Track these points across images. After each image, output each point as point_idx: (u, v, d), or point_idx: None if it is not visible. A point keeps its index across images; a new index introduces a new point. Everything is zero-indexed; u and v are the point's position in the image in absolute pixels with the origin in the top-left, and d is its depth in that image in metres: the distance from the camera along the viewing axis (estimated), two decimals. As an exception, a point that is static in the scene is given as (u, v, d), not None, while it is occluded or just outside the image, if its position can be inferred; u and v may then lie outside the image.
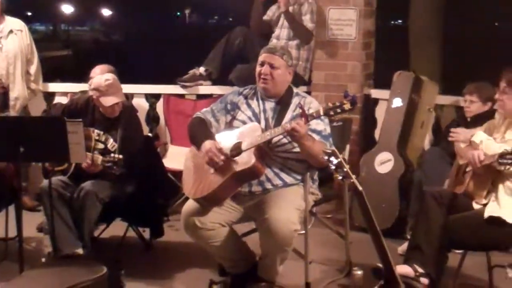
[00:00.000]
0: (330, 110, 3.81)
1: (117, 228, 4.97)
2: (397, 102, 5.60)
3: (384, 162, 5.50)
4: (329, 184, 4.78)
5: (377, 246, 3.49)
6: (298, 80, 5.72)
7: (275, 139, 4.00)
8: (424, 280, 3.92)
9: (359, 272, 4.32)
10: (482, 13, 13.83)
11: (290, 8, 5.98)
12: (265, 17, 6.27)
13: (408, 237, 4.59)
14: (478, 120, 4.77)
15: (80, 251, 4.48)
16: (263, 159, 3.96)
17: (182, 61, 7.24)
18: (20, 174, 4.15)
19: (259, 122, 4.11)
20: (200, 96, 6.32)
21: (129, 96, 5.37)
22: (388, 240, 3.54)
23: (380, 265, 3.62)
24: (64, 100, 5.96)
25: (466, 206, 4.04)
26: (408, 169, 5.38)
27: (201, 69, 6.22)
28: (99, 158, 4.38)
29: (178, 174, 5.07)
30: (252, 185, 4.05)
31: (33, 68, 5.97)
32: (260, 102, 4.19)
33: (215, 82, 6.31)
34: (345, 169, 3.44)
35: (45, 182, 4.51)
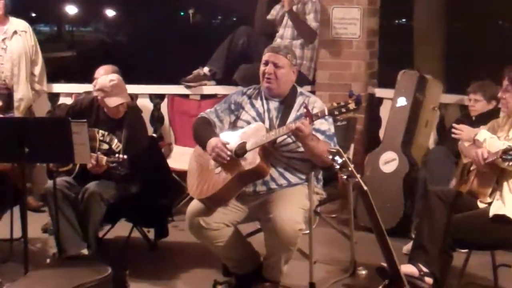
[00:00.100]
0: (334, 110, 3.80)
1: (122, 228, 4.97)
2: (402, 101, 5.59)
3: (388, 161, 5.49)
4: (334, 184, 4.78)
5: (382, 246, 3.49)
6: (302, 79, 5.71)
7: (279, 139, 3.99)
8: (429, 280, 3.91)
9: (364, 272, 4.35)
10: (486, 11, 13.79)
11: (294, 7, 5.97)
12: (269, 17, 6.27)
13: (413, 236, 4.58)
14: (483, 119, 4.76)
15: (85, 251, 4.48)
16: (268, 159, 3.96)
17: (186, 61, 7.24)
18: (24, 175, 4.15)
19: (263, 122, 4.11)
20: (204, 96, 6.33)
21: (133, 97, 5.38)
22: (392, 239, 3.53)
23: (384, 264, 3.61)
24: (68, 101, 5.97)
25: (470, 205, 4.03)
26: (413, 168, 5.38)
27: (205, 69, 6.22)
28: (104, 159, 4.39)
29: (182, 174, 5.06)
30: (256, 185, 4.05)
31: (38, 69, 5.98)
32: (264, 101, 4.19)
33: (219, 82, 6.31)
34: (349, 169, 3.44)
35: (49, 183, 4.51)
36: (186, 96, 6.35)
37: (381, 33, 6.44)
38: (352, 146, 5.69)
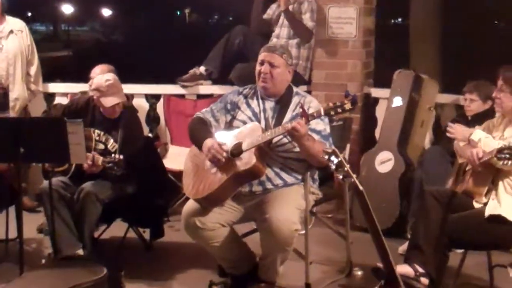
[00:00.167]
0: (330, 110, 3.80)
1: (118, 229, 4.96)
2: (397, 101, 5.59)
3: (384, 161, 5.49)
4: (330, 184, 4.77)
5: (378, 246, 3.48)
6: (298, 79, 5.71)
7: (275, 139, 3.99)
8: (425, 280, 3.91)
9: (360, 272, 4.34)
10: (482, 11, 13.83)
11: (290, 7, 5.97)
12: (265, 16, 6.26)
13: (409, 236, 4.58)
14: (479, 119, 4.77)
15: (80, 252, 4.48)
16: (264, 159, 3.96)
17: (182, 61, 7.23)
18: (20, 175, 4.14)
19: (259, 121, 4.11)
20: (200, 96, 6.32)
21: (129, 97, 5.37)
22: (388, 239, 3.52)
23: (380, 265, 3.61)
24: (64, 100, 5.96)
25: (466, 205, 4.03)
26: (409, 168, 5.38)
27: (201, 69, 6.22)
28: (100, 159, 4.38)
29: (178, 174, 5.06)
30: (252, 185, 4.05)
31: (33, 69, 5.97)
32: (260, 101, 4.19)
33: (215, 82, 6.31)
34: (345, 169, 3.43)
35: (45, 183, 4.51)
36: (182, 96, 6.34)
37: (377, 33, 6.44)
38: (348, 146, 5.69)
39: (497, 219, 3.85)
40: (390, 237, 4.41)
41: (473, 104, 5.16)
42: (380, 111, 6.01)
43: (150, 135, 6.10)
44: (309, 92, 5.78)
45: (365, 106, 6.22)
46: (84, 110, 4.76)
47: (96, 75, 5.03)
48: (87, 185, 4.46)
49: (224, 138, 4.08)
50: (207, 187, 3.99)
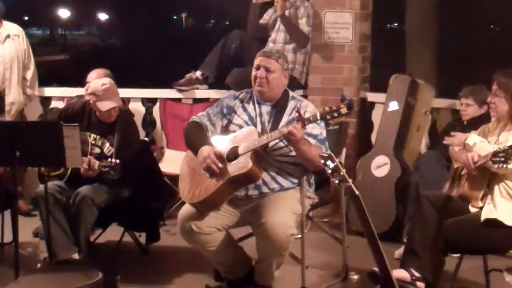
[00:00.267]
0: (326, 114, 3.81)
1: (113, 233, 4.95)
2: (394, 106, 5.60)
3: (380, 165, 5.49)
4: (326, 188, 4.77)
5: (374, 250, 3.48)
6: (294, 83, 5.72)
7: (271, 143, 3.99)
8: (421, 284, 3.91)
9: (356, 277, 4.33)
10: (478, 16, 13.85)
11: (287, 12, 5.98)
12: (261, 21, 6.27)
13: (405, 241, 4.59)
14: (475, 123, 4.77)
15: (76, 256, 4.47)
16: (260, 163, 3.96)
17: (179, 65, 7.24)
18: (16, 178, 4.13)
19: (255, 126, 4.11)
20: (197, 100, 6.32)
21: (125, 101, 5.36)
22: (384, 244, 3.52)
23: (376, 269, 3.61)
24: (60, 104, 5.95)
25: (462, 209, 4.03)
26: (405, 172, 5.38)
27: (198, 73, 6.22)
28: (96, 163, 4.37)
29: (174, 178, 5.05)
30: (248, 189, 4.04)
31: (30, 73, 5.96)
32: (256, 106, 4.19)
33: (211, 86, 6.31)
34: (341, 173, 3.43)
35: (41, 187, 4.50)
36: (178, 100, 6.34)
37: (373, 38, 6.45)
38: (344, 150, 5.69)
39: (493, 223, 3.85)
40: (386, 241, 4.42)
41: (469, 108, 5.17)
42: (376, 116, 6.02)
43: (146, 139, 6.10)
44: (305, 96, 5.79)
45: (361, 111, 6.23)
46: (80, 114, 4.75)
47: (92, 79, 5.04)
48: (83, 189, 4.45)
49: (220, 142, 4.08)
50: (203, 192, 3.99)
